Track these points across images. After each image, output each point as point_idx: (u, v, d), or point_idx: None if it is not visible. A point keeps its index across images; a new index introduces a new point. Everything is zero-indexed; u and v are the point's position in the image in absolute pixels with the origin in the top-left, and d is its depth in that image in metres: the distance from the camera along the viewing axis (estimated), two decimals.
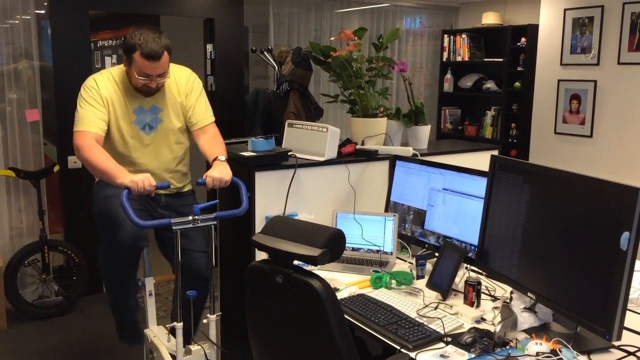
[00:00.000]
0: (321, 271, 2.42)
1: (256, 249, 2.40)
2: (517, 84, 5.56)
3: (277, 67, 3.95)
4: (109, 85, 2.52)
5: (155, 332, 2.74)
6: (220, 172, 2.40)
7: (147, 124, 2.58)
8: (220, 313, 2.44)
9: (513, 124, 5.67)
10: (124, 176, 2.27)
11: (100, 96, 2.48)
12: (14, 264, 3.76)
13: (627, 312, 1.79)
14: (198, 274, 2.64)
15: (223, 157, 2.48)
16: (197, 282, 2.61)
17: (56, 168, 3.96)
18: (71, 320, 3.85)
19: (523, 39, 5.48)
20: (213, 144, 2.59)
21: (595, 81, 4.63)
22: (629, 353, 1.74)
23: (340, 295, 2.21)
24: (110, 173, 2.30)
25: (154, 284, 2.89)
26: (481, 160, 2.57)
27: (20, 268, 3.82)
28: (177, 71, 2.63)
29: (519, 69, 5.55)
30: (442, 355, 1.72)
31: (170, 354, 2.55)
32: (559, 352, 1.61)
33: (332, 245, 1.56)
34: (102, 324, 3.70)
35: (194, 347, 2.33)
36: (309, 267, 1.67)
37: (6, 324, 3.71)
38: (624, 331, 1.82)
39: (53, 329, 3.72)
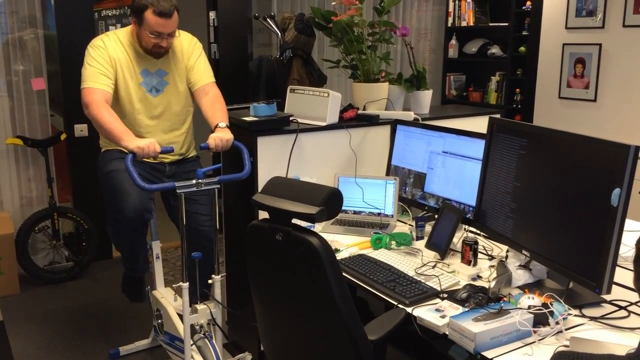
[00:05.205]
0: (323, 233, 2.47)
1: (258, 211, 2.46)
2: (522, 48, 5.52)
3: (280, 34, 3.94)
4: (116, 47, 2.56)
5: (163, 293, 2.83)
6: (221, 133, 2.45)
7: (154, 86, 2.63)
8: (225, 274, 2.51)
9: (517, 89, 5.65)
10: (129, 140, 2.31)
11: (109, 56, 2.52)
12: (24, 230, 3.85)
13: (619, 269, 1.85)
14: (203, 236, 2.71)
15: (223, 124, 2.53)
16: (203, 245, 2.67)
17: (63, 136, 4.01)
18: (82, 285, 3.95)
19: (528, 3, 5.41)
20: (215, 108, 2.63)
21: (600, 44, 4.60)
22: (620, 307, 1.79)
23: (340, 256, 2.27)
24: (117, 135, 2.34)
25: (162, 248, 2.98)
26: (483, 124, 2.58)
27: (31, 234, 3.91)
28: (180, 36, 2.69)
29: (524, 33, 5.50)
30: (437, 310, 1.78)
31: (177, 313, 2.65)
32: (550, 306, 1.66)
33: (329, 203, 1.60)
34: (112, 288, 3.80)
35: (199, 306, 2.40)
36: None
37: (19, 288, 3.81)
38: (616, 287, 1.87)
39: (64, 293, 3.82)
